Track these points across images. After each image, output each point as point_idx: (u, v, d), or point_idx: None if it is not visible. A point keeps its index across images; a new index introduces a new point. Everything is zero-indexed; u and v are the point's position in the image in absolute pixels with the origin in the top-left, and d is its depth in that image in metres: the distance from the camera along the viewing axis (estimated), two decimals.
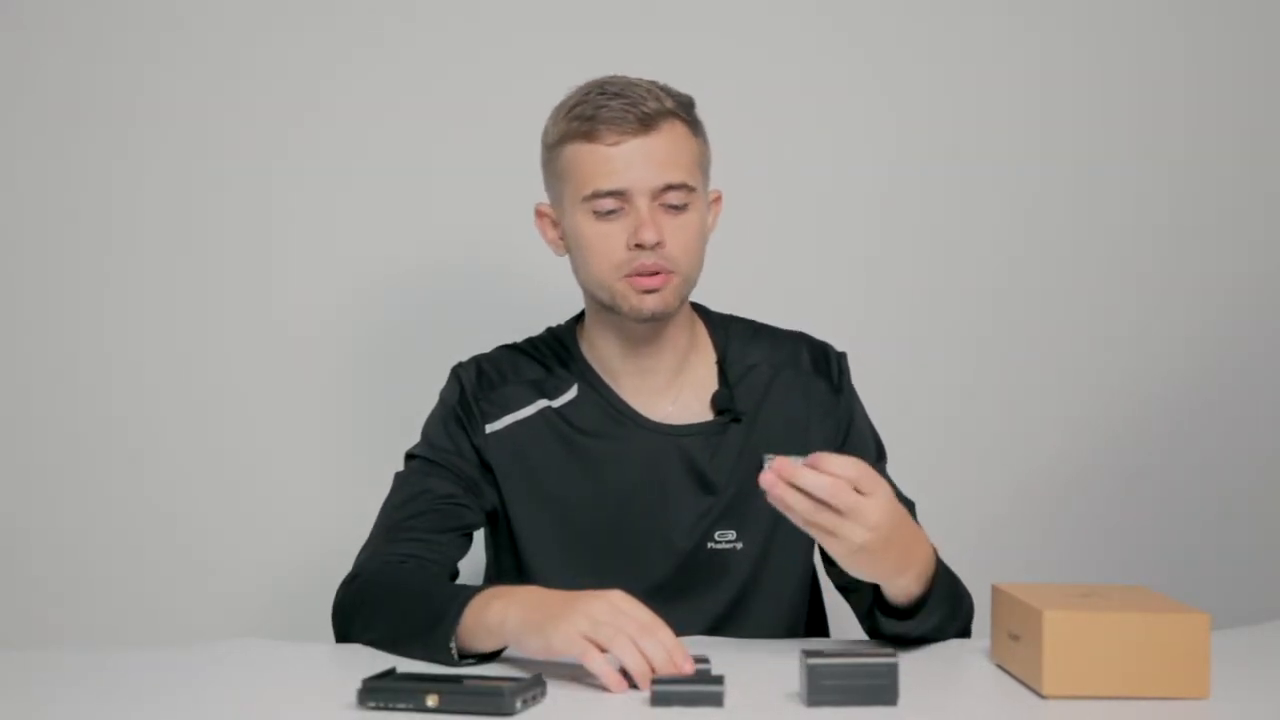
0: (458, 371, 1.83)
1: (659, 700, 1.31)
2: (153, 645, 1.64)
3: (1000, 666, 1.48)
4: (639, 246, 1.68)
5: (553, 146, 1.74)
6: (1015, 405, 2.51)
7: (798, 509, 1.40)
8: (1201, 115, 2.53)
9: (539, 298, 2.14)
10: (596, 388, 1.79)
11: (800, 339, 1.86)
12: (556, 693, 1.36)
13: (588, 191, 1.69)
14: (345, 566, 1.71)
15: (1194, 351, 2.54)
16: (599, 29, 2.41)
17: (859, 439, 1.81)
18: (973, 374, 2.50)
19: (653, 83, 1.73)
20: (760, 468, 1.41)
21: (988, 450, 2.50)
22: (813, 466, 1.39)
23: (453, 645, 1.48)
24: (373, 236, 2.40)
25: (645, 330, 1.75)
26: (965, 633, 1.66)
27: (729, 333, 1.84)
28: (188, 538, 2.37)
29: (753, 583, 1.77)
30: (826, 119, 2.47)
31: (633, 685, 1.36)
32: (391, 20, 2.39)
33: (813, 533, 1.42)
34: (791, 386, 1.81)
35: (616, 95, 1.68)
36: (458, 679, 1.34)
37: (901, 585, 1.51)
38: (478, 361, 1.83)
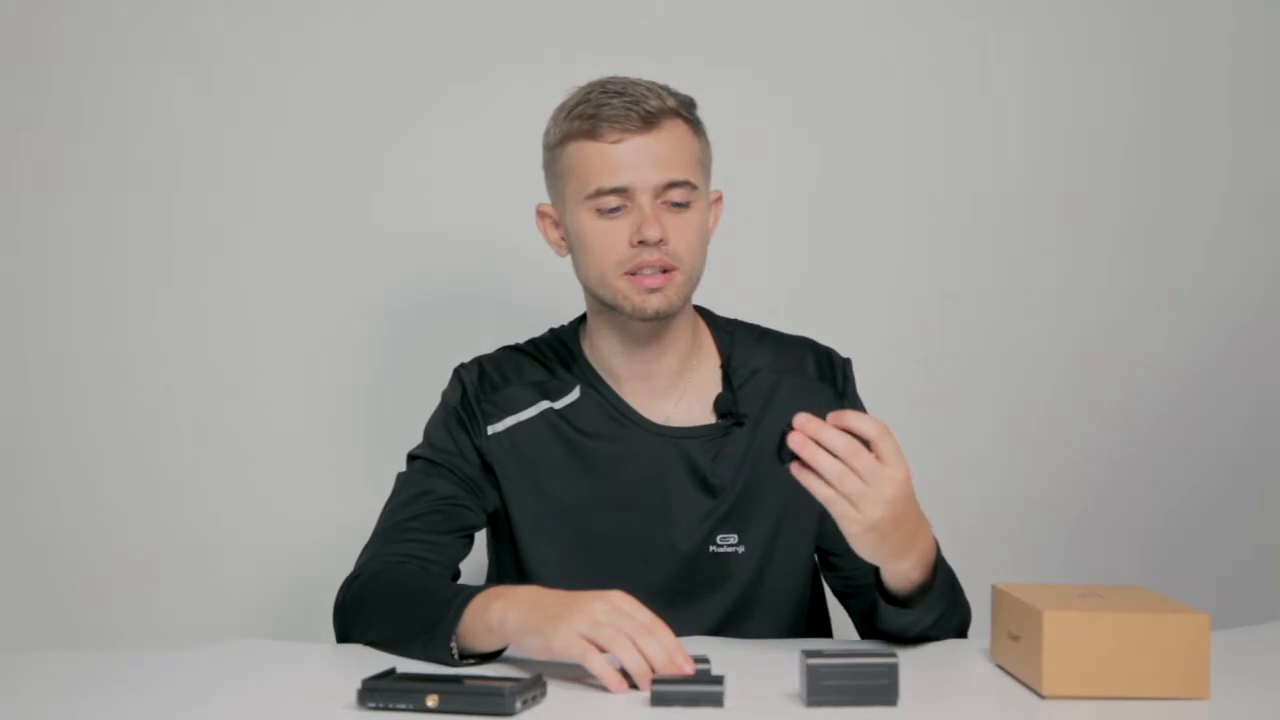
0: (460, 372, 1.83)
1: (659, 700, 1.31)
2: (153, 645, 1.64)
3: (1000, 666, 1.48)
4: (642, 243, 1.68)
5: (554, 146, 1.74)
6: (1015, 406, 2.51)
7: (825, 468, 1.40)
8: (1198, 117, 2.53)
9: (542, 299, 2.14)
10: (598, 389, 1.79)
11: (806, 345, 1.86)
12: (556, 693, 1.36)
13: (590, 189, 1.69)
14: (346, 567, 1.71)
15: (1195, 352, 2.54)
16: (599, 29, 2.41)
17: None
18: (973, 375, 2.50)
19: (654, 82, 1.73)
20: (783, 443, 1.41)
21: (988, 451, 2.50)
22: (835, 423, 1.41)
23: (453, 645, 1.48)
24: (374, 237, 2.40)
25: (647, 331, 1.75)
26: (962, 633, 1.66)
27: (734, 337, 1.84)
28: (188, 538, 2.37)
29: (754, 587, 1.77)
30: (828, 121, 2.47)
31: (633, 686, 1.36)
32: (394, 23, 2.39)
33: (833, 504, 1.41)
34: (796, 392, 1.80)
35: (618, 94, 1.69)
36: (458, 679, 1.34)
37: (903, 570, 1.51)
38: (480, 362, 1.83)
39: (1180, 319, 2.54)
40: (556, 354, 1.82)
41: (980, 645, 1.57)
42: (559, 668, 1.42)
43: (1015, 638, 1.42)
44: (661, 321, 1.73)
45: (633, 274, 1.69)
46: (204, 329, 2.38)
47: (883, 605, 1.57)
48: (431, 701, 1.28)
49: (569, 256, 1.77)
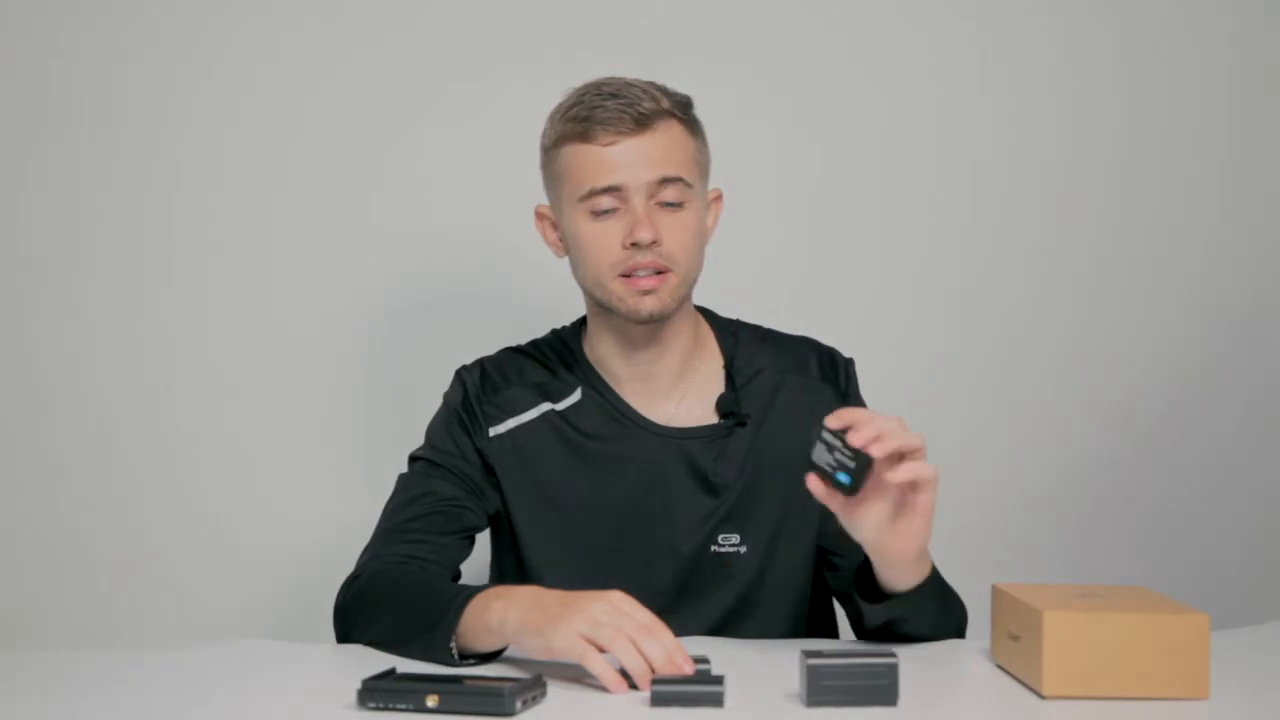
0: (461, 374, 1.83)
1: (659, 700, 1.31)
2: (153, 645, 1.64)
3: (1000, 666, 1.48)
4: (635, 245, 1.68)
5: (550, 149, 1.75)
6: (1016, 406, 2.51)
7: (914, 442, 1.42)
8: (1198, 117, 2.53)
9: (542, 299, 2.14)
10: (600, 390, 1.79)
11: (809, 345, 1.86)
12: (556, 693, 1.36)
13: (583, 191, 1.69)
14: (346, 567, 1.71)
15: (1193, 351, 2.54)
16: (599, 29, 2.41)
17: None
18: (973, 375, 2.50)
19: (650, 83, 1.73)
20: (813, 437, 1.41)
21: (988, 451, 2.49)
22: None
23: (453, 645, 1.48)
24: (374, 237, 2.40)
25: (644, 332, 1.75)
26: (960, 633, 1.66)
27: (737, 337, 1.84)
28: (188, 538, 2.37)
29: (756, 587, 1.77)
30: (828, 120, 2.47)
31: (633, 686, 1.36)
32: (393, 23, 2.39)
33: (933, 485, 1.43)
34: (799, 392, 1.81)
35: (612, 95, 1.69)
36: (457, 679, 1.34)
37: (916, 566, 1.52)
38: (481, 364, 1.83)
39: (1180, 319, 2.53)
40: (558, 355, 1.82)
41: (980, 645, 1.57)
42: (559, 668, 1.42)
43: (1015, 638, 1.42)
44: (658, 323, 1.73)
45: (627, 276, 1.69)
46: (204, 329, 2.38)
47: (865, 606, 1.57)
48: (431, 702, 1.28)
49: (567, 258, 1.77)
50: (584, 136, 1.69)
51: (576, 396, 1.79)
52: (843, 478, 1.41)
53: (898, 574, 1.53)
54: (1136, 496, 2.53)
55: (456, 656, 1.49)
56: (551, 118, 1.75)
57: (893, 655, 1.33)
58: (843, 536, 1.52)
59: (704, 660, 1.41)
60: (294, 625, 2.33)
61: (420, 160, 2.40)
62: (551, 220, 1.78)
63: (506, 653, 1.51)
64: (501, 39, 2.40)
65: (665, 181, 1.69)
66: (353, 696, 1.31)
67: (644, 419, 1.77)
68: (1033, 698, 1.37)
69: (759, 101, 2.44)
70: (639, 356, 1.77)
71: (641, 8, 2.43)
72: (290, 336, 2.39)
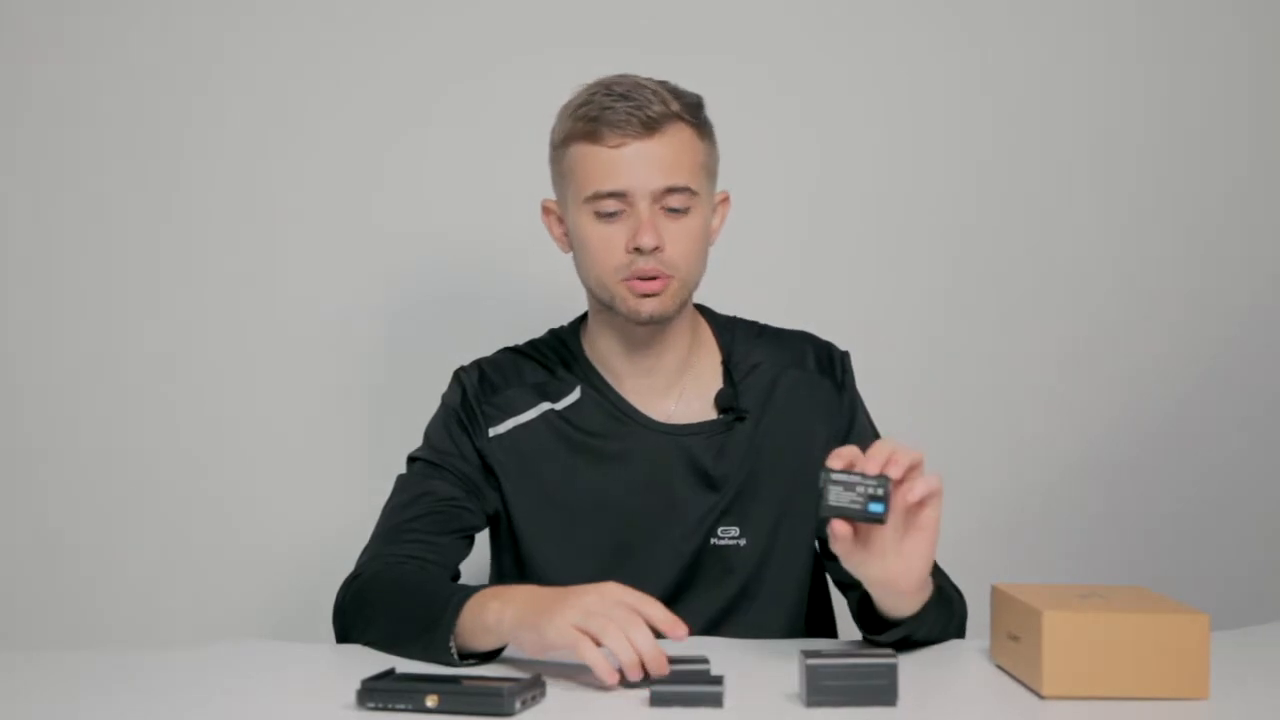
0: (460, 375, 1.83)
1: (658, 700, 1.31)
2: (153, 645, 1.64)
3: (1000, 667, 1.48)
4: (637, 250, 1.68)
5: (558, 145, 1.74)
6: (1015, 406, 2.51)
7: (917, 456, 1.40)
8: (1202, 118, 2.53)
9: (543, 299, 2.14)
10: (599, 388, 1.79)
11: (805, 339, 1.86)
12: (556, 693, 1.36)
13: (589, 192, 1.69)
14: (345, 568, 1.71)
15: (1194, 352, 2.54)
16: (602, 30, 2.40)
17: (861, 437, 1.80)
18: (973, 375, 2.50)
19: (661, 84, 1.72)
20: (823, 486, 1.39)
21: (987, 450, 2.50)
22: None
23: (451, 645, 1.48)
24: (374, 238, 2.40)
25: (646, 331, 1.75)
26: (960, 633, 1.66)
27: (734, 333, 1.85)
28: (189, 538, 2.37)
29: (755, 579, 1.78)
30: (828, 119, 2.47)
31: (628, 683, 1.36)
32: (394, 22, 2.39)
33: (926, 486, 1.41)
34: (796, 385, 1.81)
35: (622, 97, 1.68)
36: (457, 679, 1.34)
37: (918, 595, 1.51)
38: (479, 365, 1.83)
39: (1181, 320, 2.54)
40: (557, 354, 1.82)
41: (980, 645, 1.57)
42: (559, 668, 1.42)
43: (1015, 638, 1.42)
44: (657, 324, 1.73)
45: (628, 279, 1.70)
46: (204, 330, 2.38)
47: (871, 638, 1.57)
48: (431, 702, 1.28)
49: (571, 254, 1.78)
50: (592, 137, 1.69)
51: (576, 395, 1.79)
52: (876, 507, 1.38)
53: (904, 602, 1.51)
54: (1136, 497, 2.53)
55: (456, 656, 1.48)
56: (562, 114, 1.74)
57: (893, 655, 1.33)
58: None
59: (704, 660, 1.41)
60: (294, 625, 2.33)
61: (420, 161, 2.40)
62: (558, 215, 1.79)
63: (506, 652, 1.51)
64: (502, 39, 2.40)
65: (671, 190, 1.69)
66: (352, 696, 1.31)
67: (644, 416, 1.78)
68: (1032, 698, 1.37)
69: (763, 100, 2.44)
70: (640, 354, 1.78)
71: (644, 6, 2.42)
72: (290, 338, 2.39)
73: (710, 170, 1.75)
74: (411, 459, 1.80)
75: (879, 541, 1.44)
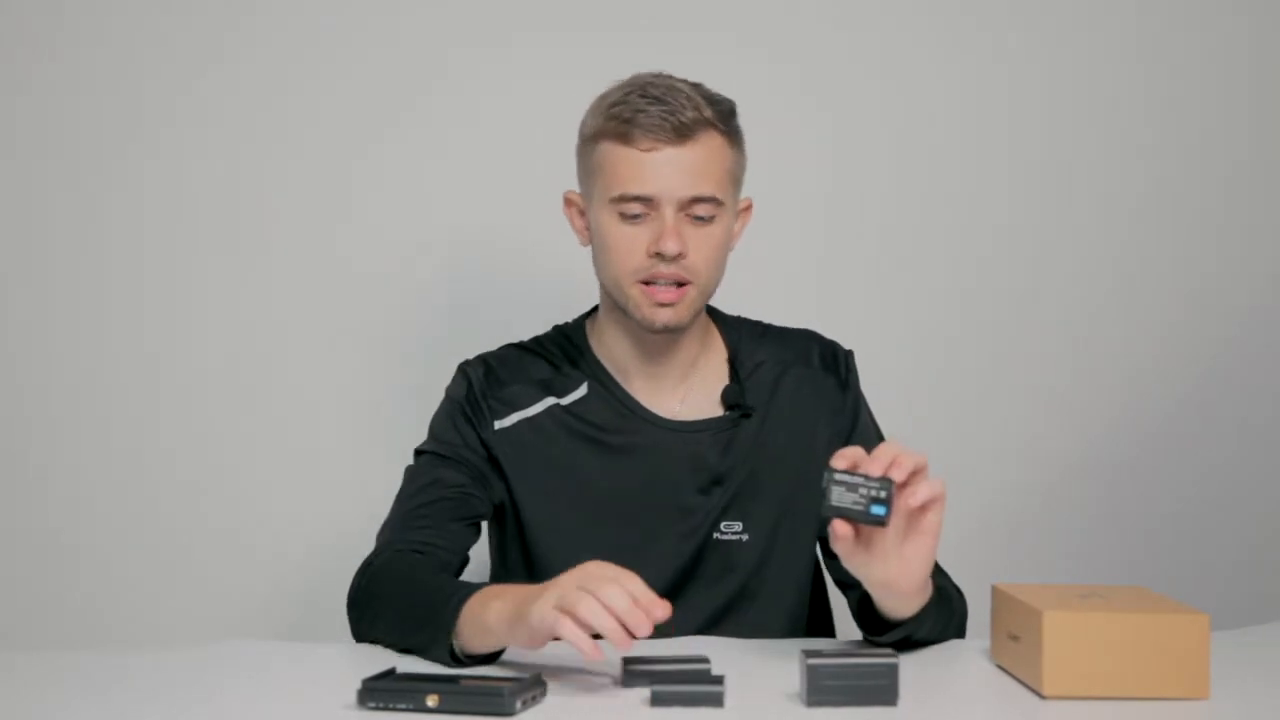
0: (465, 369, 1.83)
1: (658, 700, 1.31)
2: (153, 645, 1.64)
3: (1000, 667, 1.48)
4: (659, 255, 1.68)
5: (588, 140, 1.74)
6: (1015, 406, 2.51)
7: (921, 460, 1.41)
8: (1209, 118, 2.53)
9: (549, 297, 2.14)
10: (607, 385, 1.79)
11: (810, 337, 1.87)
12: (556, 693, 1.36)
13: (616, 193, 1.69)
14: (346, 568, 1.71)
15: (1194, 351, 2.54)
16: (605, 30, 2.40)
17: (864, 436, 1.81)
18: (973, 375, 2.50)
19: (695, 87, 1.72)
20: (825, 486, 1.40)
21: (988, 450, 2.50)
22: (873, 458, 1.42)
23: (454, 644, 1.48)
24: (378, 239, 2.39)
25: (659, 336, 1.76)
26: (960, 634, 1.66)
27: (740, 332, 1.86)
28: (188, 538, 2.37)
29: (757, 575, 1.78)
30: (828, 118, 2.47)
31: (629, 681, 1.36)
32: (408, 15, 2.39)
33: (941, 503, 1.42)
34: (801, 382, 1.82)
35: (657, 100, 1.68)
36: (457, 679, 1.34)
37: (918, 598, 1.51)
38: (485, 360, 1.83)
39: (1181, 320, 2.54)
40: (563, 351, 1.83)
41: (980, 645, 1.57)
42: (559, 668, 1.42)
43: (1015, 638, 1.42)
44: (671, 334, 1.74)
45: (646, 283, 1.70)
46: (208, 329, 2.37)
47: (872, 639, 1.57)
48: (431, 701, 1.28)
49: (589, 248, 1.78)
50: (623, 137, 1.68)
51: (582, 391, 1.80)
52: (878, 509, 1.38)
53: (904, 604, 1.52)
54: (1136, 497, 2.53)
55: (455, 656, 1.48)
56: (594, 109, 1.74)
57: (893, 655, 1.33)
58: None
59: (704, 660, 1.41)
60: (294, 625, 2.33)
61: (428, 157, 2.40)
62: (579, 208, 1.79)
63: (509, 654, 1.50)
64: (504, 38, 2.40)
65: (697, 200, 1.69)
66: (353, 696, 1.31)
67: (650, 413, 1.78)
68: (1033, 698, 1.37)
69: (767, 98, 2.43)
70: (650, 354, 1.78)
71: (647, 8, 2.42)
72: (289, 338, 2.39)
73: (737, 178, 1.76)
74: (418, 452, 1.80)
75: (880, 543, 1.44)
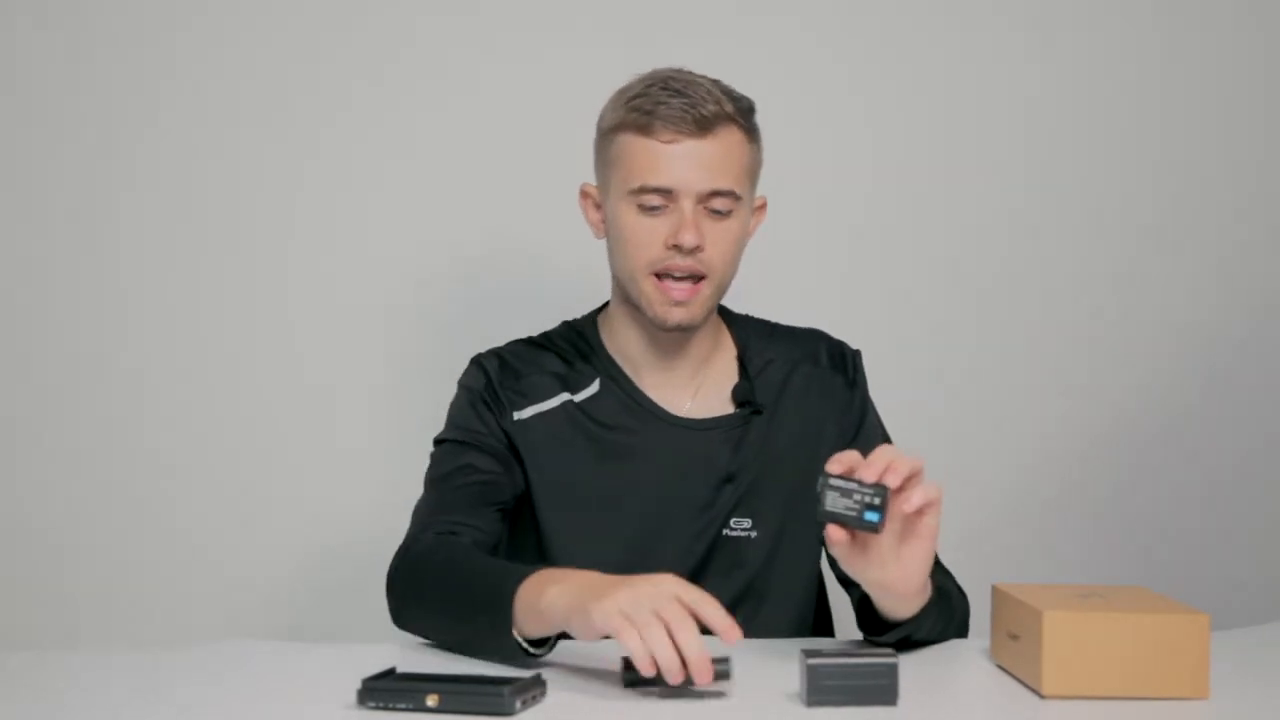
0: (480, 360, 1.82)
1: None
2: (153, 645, 1.64)
3: (1000, 666, 1.48)
4: (676, 247, 1.68)
5: (607, 132, 1.75)
6: (1016, 405, 2.51)
7: (917, 465, 1.40)
8: (1199, 116, 2.53)
9: (559, 296, 2.13)
10: (618, 382, 1.79)
11: (818, 336, 1.88)
12: (556, 693, 1.36)
13: (635, 185, 1.70)
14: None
15: (1194, 352, 2.54)
16: (617, 30, 2.40)
17: (871, 435, 1.81)
18: (973, 374, 2.50)
19: (715, 83, 1.72)
20: (820, 491, 1.40)
21: (988, 450, 2.50)
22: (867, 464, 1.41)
23: (514, 632, 1.45)
24: (380, 240, 2.40)
25: (670, 334, 1.76)
26: (963, 633, 1.66)
27: (749, 330, 1.86)
28: (188, 538, 2.37)
29: (765, 571, 1.78)
30: (836, 118, 2.47)
31: (656, 680, 1.33)
32: (423, 18, 2.39)
33: (937, 506, 1.42)
34: (809, 381, 1.83)
35: (678, 93, 1.68)
36: (457, 679, 1.34)
37: (919, 596, 1.51)
38: (498, 353, 1.83)
39: (1181, 320, 2.54)
40: (574, 346, 1.83)
41: (980, 645, 1.57)
42: (559, 668, 1.42)
43: (1015, 638, 1.42)
44: (683, 332, 1.74)
45: (661, 277, 1.70)
46: (208, 329, 2.37)
47: (872, 639, 1.57)
48: (431, 701, 1.28)
49: (604, 241, 1.78)
50: (644, 129, 1.69)
51: (595, 388, 1.79)
52: (872, 516, 1.38)
53: (903, 605, 1.52)
54: (1137, 497, 2.53)
55: (525, 646, 1.45)
56: (614, 101, 1.74)
57: (893, 655, 1.33)
58: None
59: (724, 660, 1.37)
60: (294, 625, 2.33)
61: (441, 157, 2.40)
62: (595, 200, 1.79)
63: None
64: (506, 38, 2.40)
65: (716, 193, 1.69)
66: (353, 696, 1.31)
67: (663, 411, 1.78)
68: (1032, 698, 1.37)
69: (772, 98, 2.43)
70: (662, 351, 1.79)
71: (648, 8, 2.42)
72: (289, 339, 2.39)
73: (754, 175, 1.76)
74: (439, 440, 1.79)
75: (877, 548, 1.44)
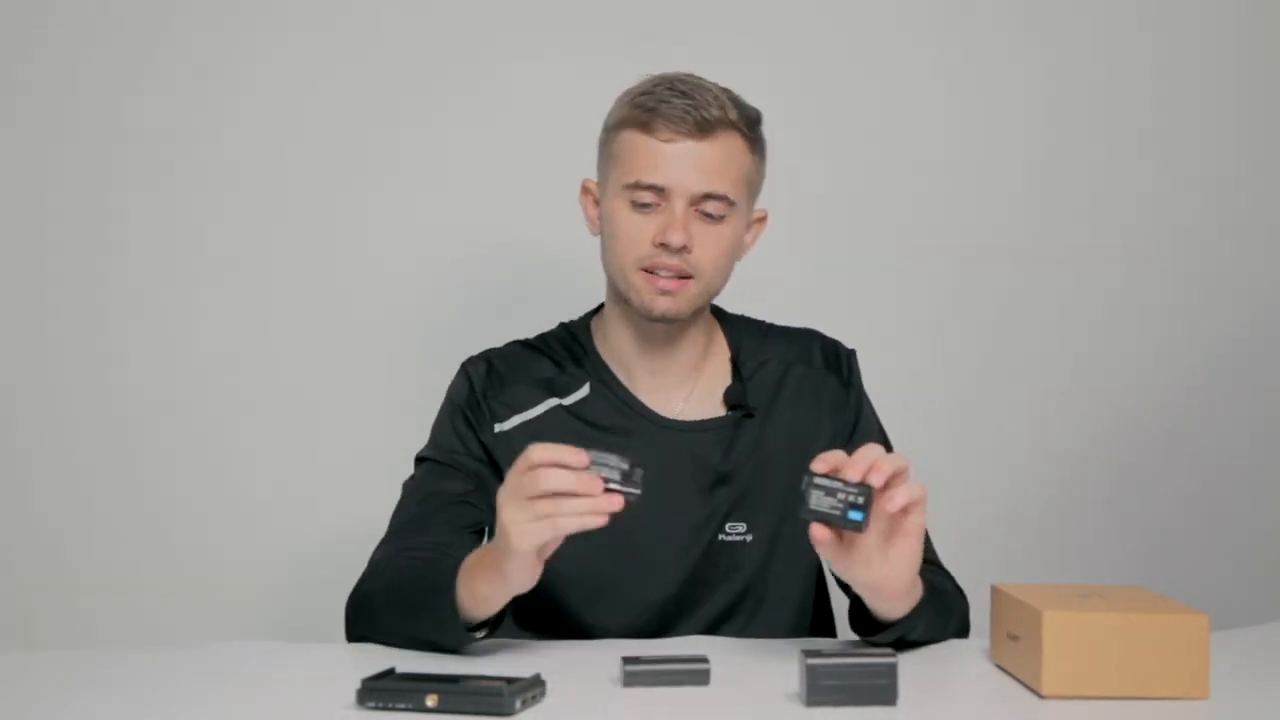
0: (467, 368, 1.82)
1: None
2: (153, 645, 1.64)
3: (1000, 666, 1.48)
4: (664, 245, 1.68)
5: (610, 128, 1.75)
6: (1015, 405, 2.51)
7: (902, 464, 1.40)
8: (1199, 117, 2.54)
9: (559, 297, 2.13)
10: (609, 384, 1.79)
11: (812, 336, 1.87)
12: (556, 693, 1.36)
13: (630, 180, 1.70)
14: (347, 568, 1.71)
15: (1194, 352, 2.54)
16: (619, 31, 2.40)
17: (867, 435, 1.80)
18: (973, 374, 2.50)
19: (724, 90, 1.73)
20: (804, 489, 1.40)
21: (988, 450, 2.50)
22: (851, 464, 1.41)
23: (458, 615, 1.48)
24: (382, 239, 2.40)
25: (662, 329, 1.76)
26: (962, 634, 1.66)
27: (743, 331, 1.86)
28: (189, 538, 2.37)
29: (761, 576, 1.77)
30: (832, 119, 2.47)
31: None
32: (423, 19, 2.39)
33: (922, 504, 1.42)
34: (804, 382, 1.82)
35: (683, 94, 1.69)
36: (457, 679, 1.34)
37: (909, 595, 1.51)
38: (488, 357, 1.83)
39: (1181, 321, 2.54)
40: (567, 349, 1.82)
41: (980, 645, 1.57)
42: (558, 669, 1.43)
43: (1015, 638, 1.42)
44: (669, 324, 1.74)
45: (649, 271, 1.70)
46: (210, 330, 2.38)
47: (867, 640, 1.57)
48: (431, 701, 1.28)
49: (599, 238, 1.78)
50: (645, 127, 1.69)
51: (585, 391, 1.79)
52: (855, 515, 1.39)
53: (894, 606, 1.52)
54: (1136, 497, 2.54)
55: (473, 635, 1.48)
56: (620, 100, 1.75)
57: (893, 655, 1.33)
58: None
59: (703, 660, 1.40)
60: (295, 625, 2.33)
61: (433, 157, 2.40)
62: (595, 197, 1.79)
63: (509, 651, 1.51)
64: (508, 39, 2.40)
65: (709, 196, 1.69)
66: (352, 696, 1.31)
67: (653, 413, 1.78)
68: (1032, 698, 1.37)
69: (770, 100, 2.43)
70: (654, 352, 1.78)
71: (650, 8, 2.43)
72: (288, 339, 2.39)
73: (753, 185, 1.76)
74: (419, 459, 1.80)
75: (863, 547, 1.44)
